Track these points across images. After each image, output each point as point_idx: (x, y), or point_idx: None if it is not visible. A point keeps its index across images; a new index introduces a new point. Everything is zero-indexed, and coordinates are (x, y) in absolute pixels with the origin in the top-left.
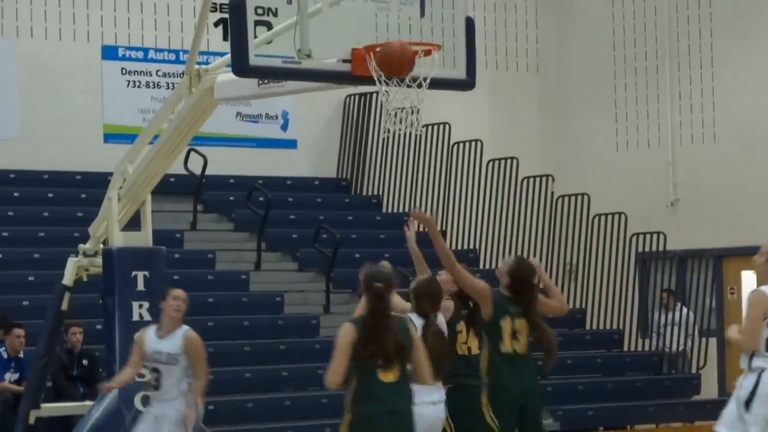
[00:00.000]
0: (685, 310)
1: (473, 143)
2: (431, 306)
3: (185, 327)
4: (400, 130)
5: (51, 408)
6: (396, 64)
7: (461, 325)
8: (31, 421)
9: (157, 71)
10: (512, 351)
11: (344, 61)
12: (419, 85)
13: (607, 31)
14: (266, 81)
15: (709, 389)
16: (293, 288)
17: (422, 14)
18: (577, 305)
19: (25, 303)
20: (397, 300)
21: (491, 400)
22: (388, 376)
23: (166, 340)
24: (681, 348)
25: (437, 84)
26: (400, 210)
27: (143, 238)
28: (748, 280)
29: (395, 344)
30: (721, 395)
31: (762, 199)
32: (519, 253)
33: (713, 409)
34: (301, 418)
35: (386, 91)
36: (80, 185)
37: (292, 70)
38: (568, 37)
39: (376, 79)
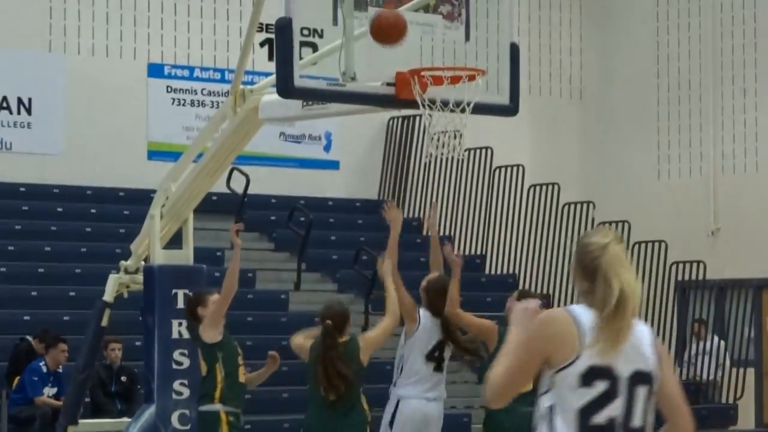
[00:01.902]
0: (716, 339)
1: (515, 168)
2: (442, 303)
3: None
4: (442, 153)
5: (88, 424)
6: (386, 32)
7: None
8: None
9: (202, 90)
10: None
11: (388, 84)
12: (462, 110)
13: (650, 60)
14: (310, 102)
15: (746, 419)
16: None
17: (467, 39)
18: None
19: (66, 318)
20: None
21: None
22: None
23: None
24: (712, 378)
25: (480, 109)
26: (443, 233)
27: (184, 256)
28: None
29: (340, 375)
30: (758, 425)
31: None
32: (560, 279)
33: None
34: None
35: (429, 115)
36: (123, 202)
37: (337, 93)
38: (611, 65)
39: (420, 103)
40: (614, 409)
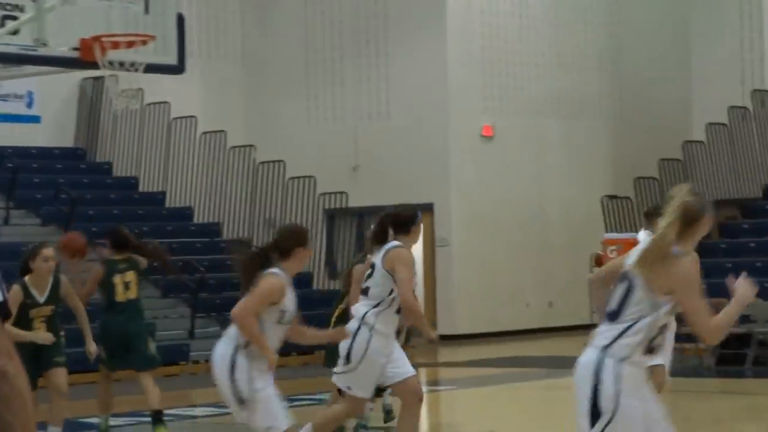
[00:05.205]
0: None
1: (189, 119)
2: None
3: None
4: (126, 107)
5: None
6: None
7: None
8: None
9: None
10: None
11: (74, 49)
12: (137, 69)
13: (300, 28)
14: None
15: None
16: (36, 240)
17: (146, 11)
18: None
19: None
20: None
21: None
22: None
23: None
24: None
25: (153, 69)
26: (129, 174)
27: None
28: None
29: None
30: None
31: (423, 164)
32: (228, 207)
33: None
34: None
35: (114, 75)
36: None
37: (29, 56)
38: (268, 34)
39: (99, 64)
40: None
